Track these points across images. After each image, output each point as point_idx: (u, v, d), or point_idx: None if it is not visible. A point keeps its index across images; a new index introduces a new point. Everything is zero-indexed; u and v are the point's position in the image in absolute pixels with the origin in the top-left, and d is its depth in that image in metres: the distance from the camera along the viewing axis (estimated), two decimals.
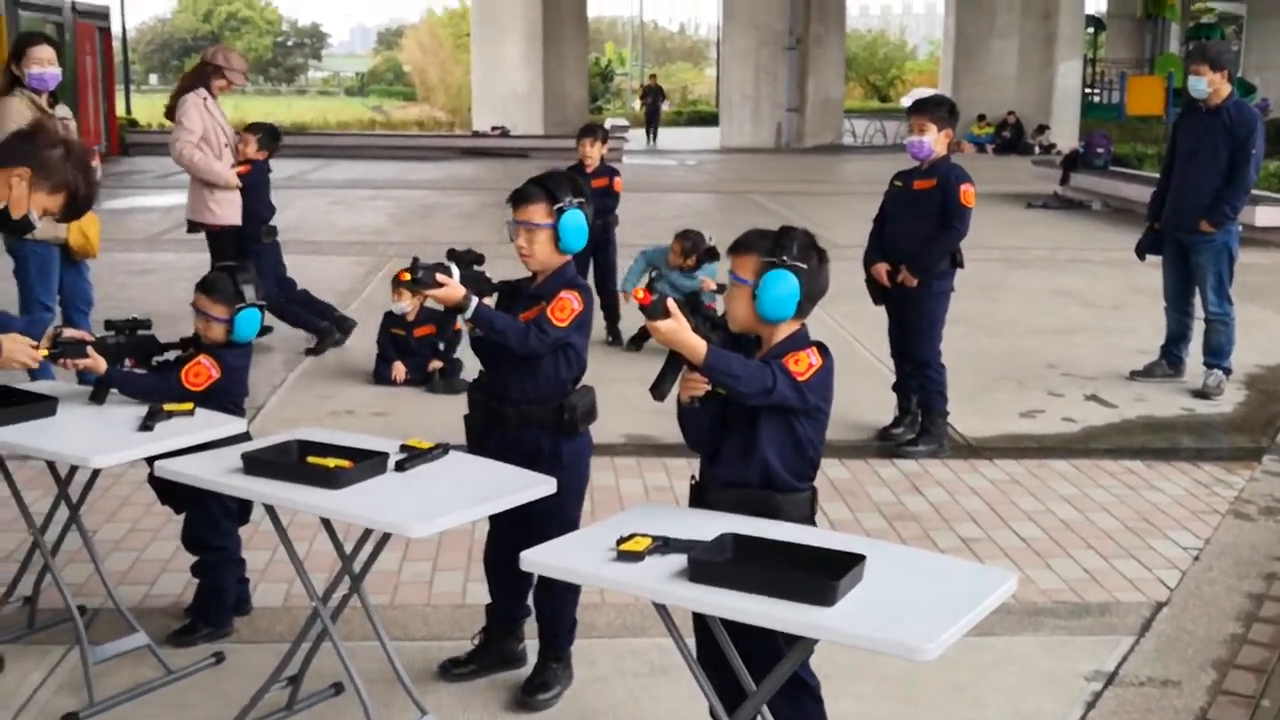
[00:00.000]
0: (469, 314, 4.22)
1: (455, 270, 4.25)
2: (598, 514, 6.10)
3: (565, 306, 4.33)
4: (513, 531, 4.33)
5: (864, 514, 6.43)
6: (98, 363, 4.65)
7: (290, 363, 9.42)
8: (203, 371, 4.75)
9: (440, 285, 4.17)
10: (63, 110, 7.63)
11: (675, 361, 3.61)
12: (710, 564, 3.16)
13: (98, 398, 4.67)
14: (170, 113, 9.42)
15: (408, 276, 4.18)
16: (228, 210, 9.30)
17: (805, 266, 3.61)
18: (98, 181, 7.20)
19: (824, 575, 3.05)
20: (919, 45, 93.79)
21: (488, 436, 4.45)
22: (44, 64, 7.39)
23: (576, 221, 4.35)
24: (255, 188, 9.48)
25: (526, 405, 4.39)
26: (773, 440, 3.64)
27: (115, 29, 34.43)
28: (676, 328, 3.46)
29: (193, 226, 9.58)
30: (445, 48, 59.05)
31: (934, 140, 7.24)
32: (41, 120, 5.12)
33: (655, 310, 3.43)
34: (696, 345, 3.48)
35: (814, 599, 2.99)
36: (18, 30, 24.27)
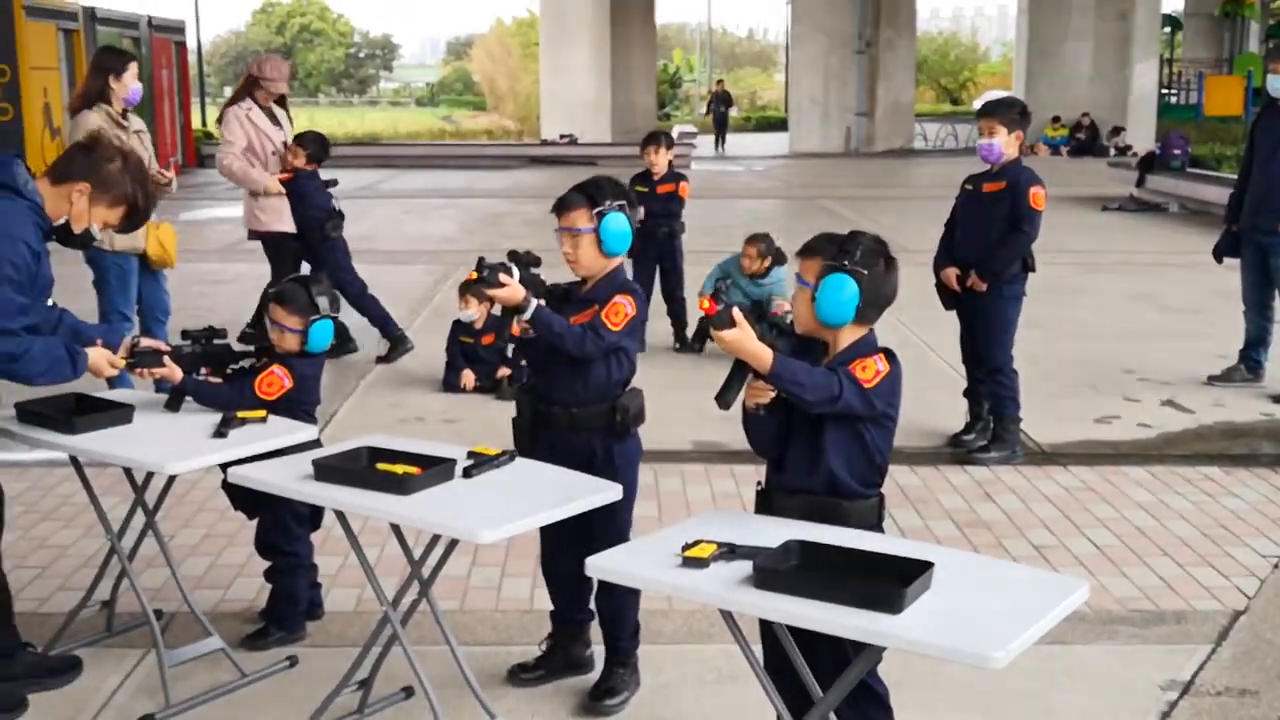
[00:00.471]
0: (528, 315, 4.25)
1: (516, 271, 4.28)
2: (665, 520, 6.12)
3: (619, 311, 4.36)
4: (566, 536, 4.35)
5: (935, 521, 6.39)
6: (173, 372, 4.72)
7: (361, 371, 9.50)
8: (275, 381, 4.81)
9: (503, 285, 4.20)
10: (137, 123, 7.75)
11: (741, 369, 3.60)
12: (776, 571, 3.15)
13: (173, 406, 4.75)
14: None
15: (475, 276, 4.22)
16: (273, 217, 9.46)
17: (866, 272, 3.59)
18: (156, 191, 7.28)
19: (891, 582, 3.03)
20: (991, 47, 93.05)
21: (535, 439, 4.47)
22: (136, 79, 7.59)
23: (619, 225, 4.38)
24: (302, 195, 9.54)
25: (577, 408, 4.41)
26: (839, 448, 3.62)
27: (190, 42, 34.83)
28: (741, 336, 3.45)
29: (251, 235, 9.75)
30: (514, 57, 59.34)
31: (1004, 143, 7.17)
32: (98, 133, 5.17)
33: (721, 319, 3.43)
34: (762, 354, 3.47)
35: (881, 606, 2.97)
36: (96, 44, 24.66)
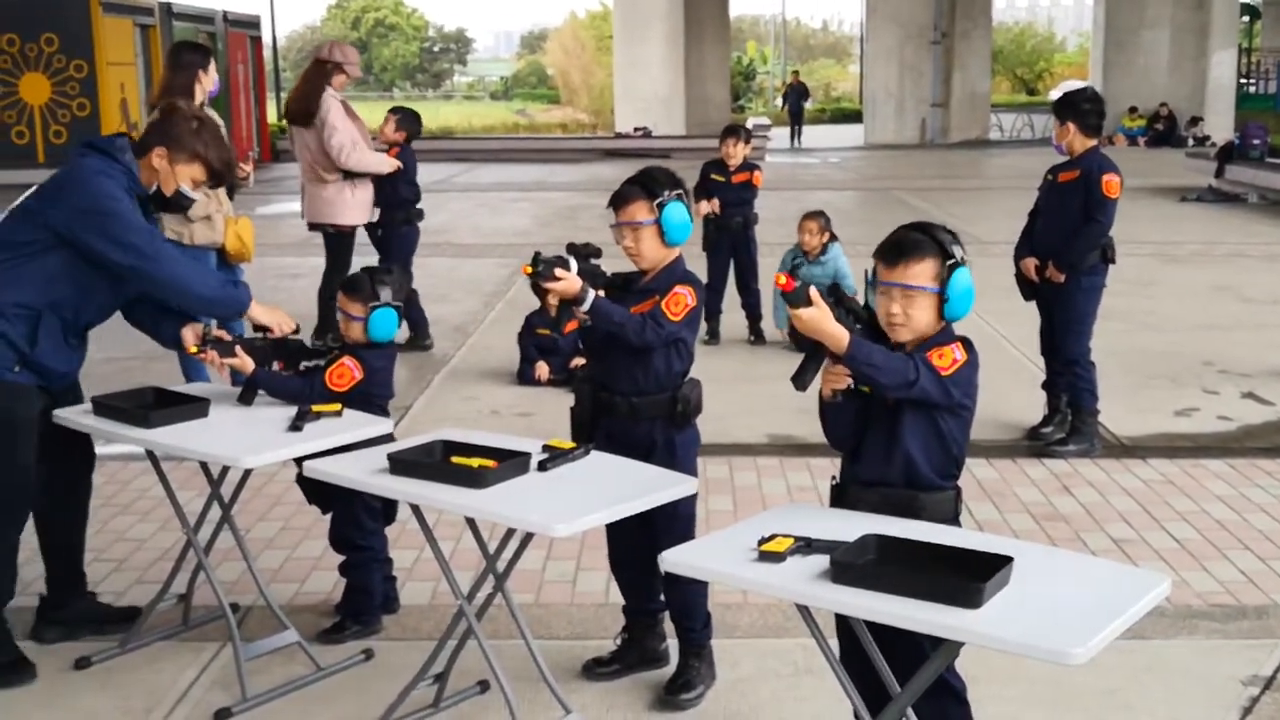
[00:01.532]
0: (586, 306, 4.23)
1: (573, 264, 4.26)
2: (740, 514, 6.09)
3: (680, 302, 4.33)
4: (631, 529, 4.34)
5: (1012, 515, 6.32)
6: (246, 363, 4.75)
7: (437, 365, 9.55)
8: (346, 372, 4.82)
9: (558, 279, 4.19)
10: (213, 115, 7.80)
11: (817, 352, 3.56)
12: (853, 565, 3.12)
13: (246, 399, 4.77)
14: (295, 115, 9.61)
15: (530, 270, 4.20)
16: (363, 211, 9.57)
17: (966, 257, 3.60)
18: (236, 184, 7.36)
19: (970, 577, 2.99)
20: (1068, 37, 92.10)
21: (594, 428, 4.45)
22: (215, 74, 7.65)
23: (680, 214, 4.36)
24: (403, 170, 9.73)
25: (638, 397, 4.39)
26: (916, 437, 3.57)
27: (265, 38, 35.16)
28: (819, 315, 3.41)
29: (316, 226, 9.78)
30: (588, 50, 59.36)
31: (1069, 142, 7.22)
32: (172, 103, 5.29)
33: (798, 297, 3.39)
34: (839, 334, 3.42)
35: (960, 601, 2.94)
36: (173, 40, 24.93)
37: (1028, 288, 7.42)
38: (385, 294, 4.90)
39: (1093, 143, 7.21)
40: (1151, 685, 4.60)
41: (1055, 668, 4.38)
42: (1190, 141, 31.56)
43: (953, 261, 3.55)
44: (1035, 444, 7.43)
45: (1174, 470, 7.00)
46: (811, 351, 3.58)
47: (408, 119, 9.94)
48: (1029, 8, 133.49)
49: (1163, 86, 34.08)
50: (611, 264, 4.48)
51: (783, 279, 3.42)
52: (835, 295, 3.54)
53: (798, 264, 9.73)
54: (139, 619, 4.96)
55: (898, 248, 3.60)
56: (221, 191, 7.57)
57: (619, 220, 4.40)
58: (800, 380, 3.62)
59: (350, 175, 9.43)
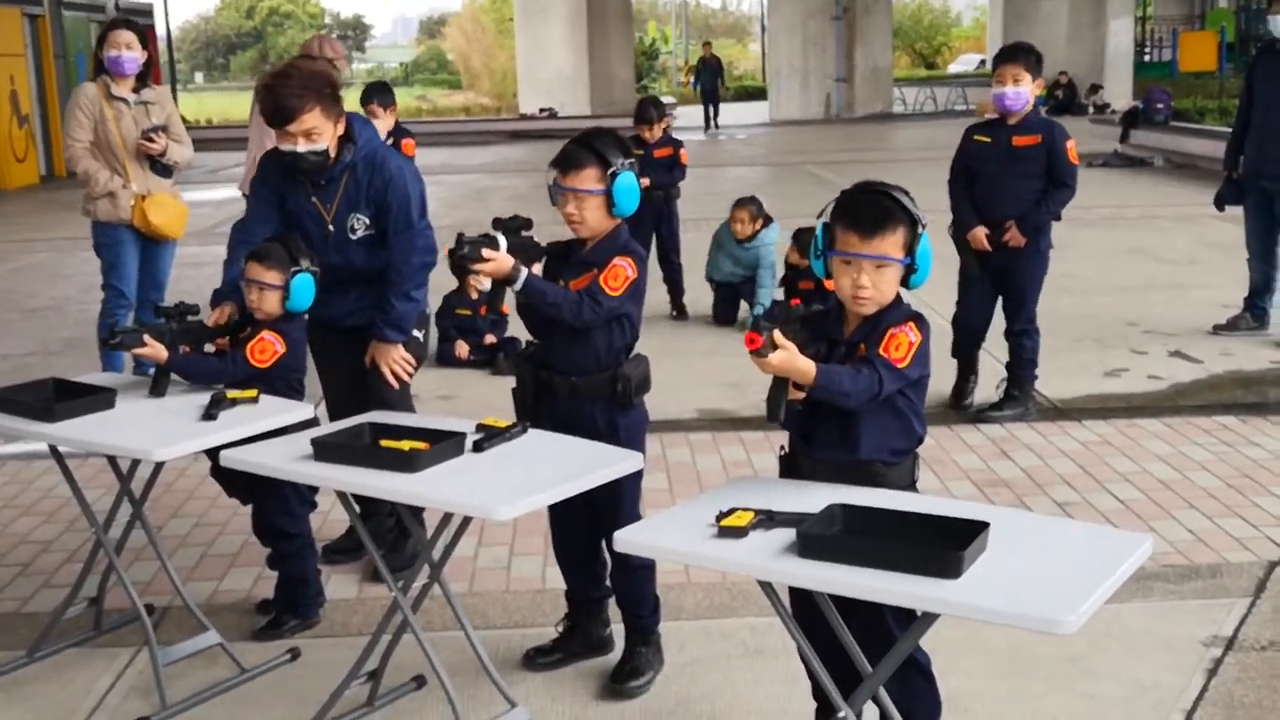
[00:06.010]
0: (519, 286, 3.99)
1: (503, 240, 4.01)
2: (676, 491, 5.91)
3: (619, 275, 4.08)
4: (576, 513, 4.14)
5: (954, 482, 6.17)
6: (157, 350, 4.44)
7: None
8: (268, 347, 4.53)
9: (486, 260, 3.93)
10: (149, 94, 7.42)
11: (781, 380, 3.35)
12: (822, 538, 2.92)
13: (158, 390, 4.45)
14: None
15: (451, 252, 3.94)
16: None
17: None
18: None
19: (946, 545, 2.80)
20: (963, 11, 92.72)
21: (538, 411, 4.20)
22: (120, 48, 7.19)
23: (630, 184, 4.09)
24: None
25: (578, 377, 4.14)
26: (873, 429, 3.41)
27: (159, 28, 34.38)
28: (788, 356, 3.18)
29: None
30: (488, 33, 58.95)
31: (1029, 90, 6.93)
32: None
33: (766, 350, 3.16)
34: (807, 369, 3.22)
35: (938, 571, 2.74)
36: (63, 30, 24.26)
37: (979, 259, 7.13)
38: (304, 260, 4.62)
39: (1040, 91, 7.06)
40: (1113, 650, 4.45)
41: (1011, 637, 4.26)
42: (1090, 109, 31.81)
43: (918, 230, 3.38)
44: (969, 410, 7.28)
45: (1110, 431, 6.90)
46: (776, 381, 3.35)
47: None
48: None
49: (1062, 56, 34.23)
50: (543, 233, 4.25)
51: (751, 337, 3.17)
52: (784, 315, 3.31)
53: (756, 316, 9.47)
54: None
55: (874, 218, 3.41)
56: (133, 167, 7.25)
57: (564, 185, 4.10)
58: (775, 414, 3.37)
59: None
